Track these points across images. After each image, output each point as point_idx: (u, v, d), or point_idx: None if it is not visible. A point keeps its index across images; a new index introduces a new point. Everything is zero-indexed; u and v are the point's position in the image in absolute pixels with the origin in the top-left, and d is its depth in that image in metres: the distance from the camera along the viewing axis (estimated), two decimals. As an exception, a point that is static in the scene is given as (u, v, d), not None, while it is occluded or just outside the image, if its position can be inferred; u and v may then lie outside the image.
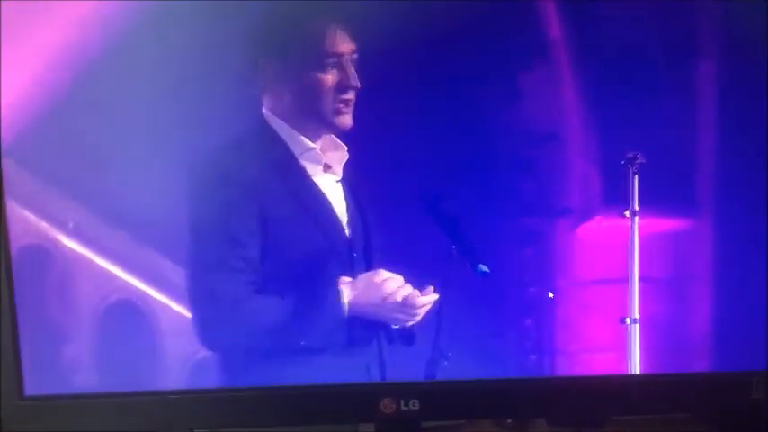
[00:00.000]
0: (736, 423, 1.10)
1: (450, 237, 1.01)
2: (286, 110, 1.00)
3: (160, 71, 0.96)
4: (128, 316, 1.01)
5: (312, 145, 1.01)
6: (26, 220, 0.97)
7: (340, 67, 0.97)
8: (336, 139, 1.01)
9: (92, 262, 0.99)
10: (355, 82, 0.98)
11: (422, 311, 1.02)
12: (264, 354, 1.01)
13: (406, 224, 1.02)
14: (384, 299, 1.01)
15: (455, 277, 1.02)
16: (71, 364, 1.01)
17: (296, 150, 1.01)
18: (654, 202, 1.02)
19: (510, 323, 1.05)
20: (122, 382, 1.01)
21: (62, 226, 0.98)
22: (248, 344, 1.00)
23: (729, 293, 1.04)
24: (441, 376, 1.03)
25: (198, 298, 0.99)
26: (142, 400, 1.01)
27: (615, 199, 1.02)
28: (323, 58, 0.97)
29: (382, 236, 1.03)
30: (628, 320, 1.04)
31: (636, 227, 1.02)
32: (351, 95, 0.98)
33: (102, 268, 1.00)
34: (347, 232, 1.03)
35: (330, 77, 0.98)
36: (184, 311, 1.00)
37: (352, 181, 1.03)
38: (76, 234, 0.99)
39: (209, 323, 1.00)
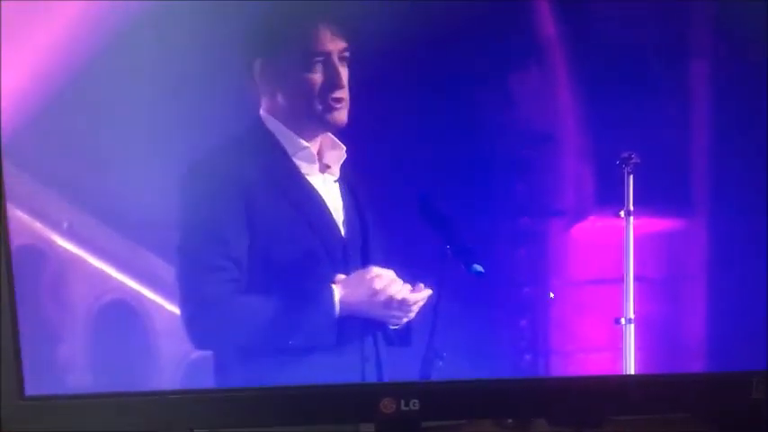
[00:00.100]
0: (736, 423, 1.10)
1: (444, 237, 1.01)
2: (281, 110, 1.00)
3: (156, 72, 0.96)
4: (122, 316, 1.01)
5: (306, 144, 1.01)
6: (20, 220, 0.97)
7: (329, 65, 0.97)
8: (335, 139, 1.01)
9: (86, 262, 1.00)
10: (344, 80, 0.98)
11: (415, 308, 1.02)
12: (258, 353, 1.01)
13: (402, 224, 1.02)
14: (375, 294, 1.01)
15: (450, 277, 1.02)
16: (71, 365, 1.01)
17: (290, 150, 1.01)
18: (649, 201, 1.01)
19: (504, 323, 1.04)
20: (120, 381, 1.02)
21: (56, 226, 0.99)
22: (239, 343, 1.01)
23: (727, 293, 1.04)
24: (435, 376, 1.03)
25: (185, 297, 1.00)
26: (142, 400, 1.01)
27: (610, 199, 1.01)
28: (311, 56, 0.97)
29: (377, 235, 1.03)
30: (623, 320, 1.03)
31: (631, 227, 1.02)
32: (342, 93, 0.98)
33: (96, 268, 1.00)
34: (342, 232, 1.03)
35: (319, 76, 0.98)
36: (178, 311, 1.00)
37: (350, 180, 1.03)
38: (71, 234, 0.99)
39: (196, 322, 1.00)
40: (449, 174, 1.01)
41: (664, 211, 1.03)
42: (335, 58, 0.97)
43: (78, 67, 0.95)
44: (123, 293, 1.01)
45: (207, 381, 1.02)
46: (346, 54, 0.98)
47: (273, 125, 1.00)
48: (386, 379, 1.04)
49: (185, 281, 0.99)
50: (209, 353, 1.01)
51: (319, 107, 0.99)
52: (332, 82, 0.98)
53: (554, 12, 0.98)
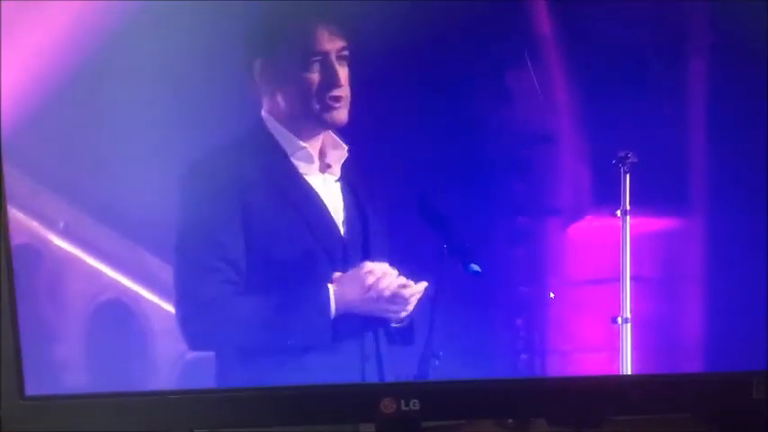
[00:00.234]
0: (736, 423, 1.10)
1: (441, 236, 1.01)
2: (280, 110, 1.00)
3: (156, 72, 0.97)
4: (119, 315, 1.01)
5: (303, 144, 1.01)
6: (17, 220, 0.97)
7: (326, 64, 0.98)
8: (336, 138, 1.01)
9: (83, 261, 1.00)
10: (343, 79, 0.98)
11: (413, 300, 1.02)
12: (257, 354, 1.01)
13: (400, 223, 1.02)
14: (369, 288, 1.01)
15: (447, 276, 1.02)
16: (71, 364, 1.01)
17: (288, 150, 1.01)
18: (645, 201, 1.01)
19: (501, 323, 1.04)
20: (119, 381, 1.02)
21: (54, 225, 0.99)
22: (236, 344, 1.01)
23: (725, 293, 1.03)
24: (433, 376, 1.03)
25: (180, 297, 1.00)
26: (142, 401, 1.02)
27: (607, 198, 1.01)
28: (309, 56, 0.98)
29: (377, 235, 1.03)
30: (619, 320, 1.03)
31: (627, 226, 1.01)
32: (340, 92, 0.98)
33: (93, 267, 1.00)
34: (342, 231, 1.03)
35: (316, 75, 0.98)
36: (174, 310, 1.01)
37: (350, 180, 1.03)
38: (70, 234, 0.99)
39: (190, 322, 1.00)
40: (445, 173, 1.01)
41: (661, 211, 1.03)
42: (333, 57, 0.98)
43: (78, 67, 0.96)
44: (123, 293, 1.01)
45: (206, 381, 1.02)
46: (345, 53, 0.98)
47: (273, 125, 1.01)
48: (386, 378, 1.04)
49: (182, 281, 1.00)
50: (208, 353, 1.02)
51: (317, 106, 0.99)
52: (329, 81, 0.98)
53: (552, 12, 0.98)
